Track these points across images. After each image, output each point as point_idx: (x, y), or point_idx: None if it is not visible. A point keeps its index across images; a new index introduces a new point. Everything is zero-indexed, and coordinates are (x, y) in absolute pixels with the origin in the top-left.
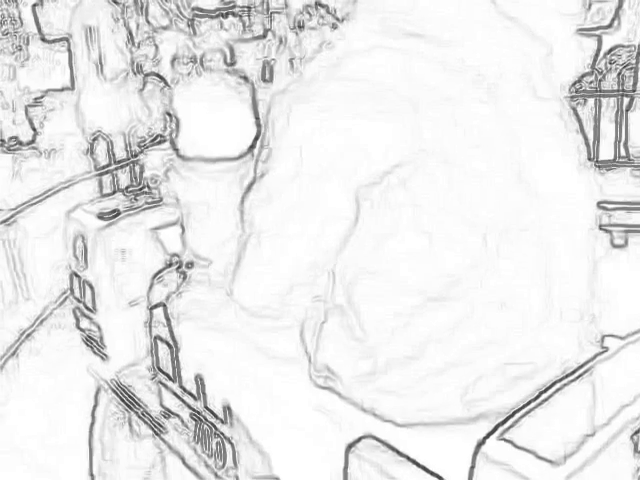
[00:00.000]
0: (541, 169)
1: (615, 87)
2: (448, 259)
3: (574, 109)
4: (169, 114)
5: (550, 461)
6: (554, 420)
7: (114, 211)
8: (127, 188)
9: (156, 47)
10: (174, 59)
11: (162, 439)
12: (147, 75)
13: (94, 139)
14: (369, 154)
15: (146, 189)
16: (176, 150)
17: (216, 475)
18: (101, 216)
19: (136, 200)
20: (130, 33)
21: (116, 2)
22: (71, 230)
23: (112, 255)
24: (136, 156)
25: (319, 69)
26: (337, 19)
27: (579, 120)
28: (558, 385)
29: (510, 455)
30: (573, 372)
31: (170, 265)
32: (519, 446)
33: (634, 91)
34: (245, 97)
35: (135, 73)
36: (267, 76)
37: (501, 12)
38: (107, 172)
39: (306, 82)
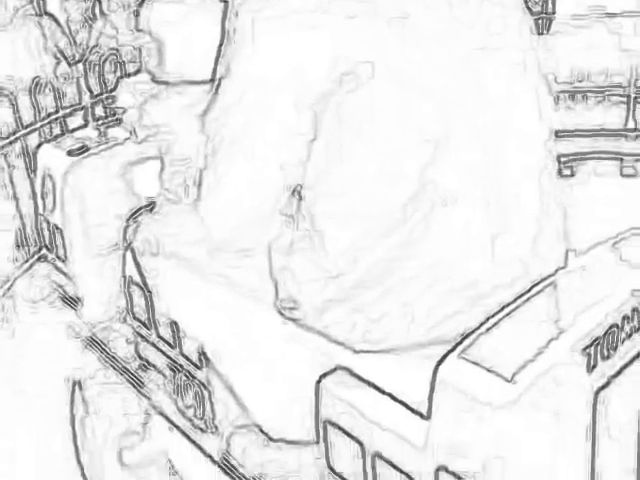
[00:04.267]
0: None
1: None
2: (404, 173)
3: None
4: (140, 30)
5: (506, 378)
6: (514, 337)
7: (83, 147)
8: (98, 120)
9: None
10: None
11: (142, 393)
12: None
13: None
14: (320, 67)
15: (117, 122)
16: (153, 76)
17: (196, 426)
18: (70, 152)
19: (106, 134)
20: None
21: None
22: (40, 167)
23: (81, 196)
24: (111, 91)
25: None
26: None
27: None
28: (518, 302)
29: (468, 372)
30: (533, 287)
31: (144, 207)
32: (477, 364)
33: None
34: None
35: None
36: None
37: None
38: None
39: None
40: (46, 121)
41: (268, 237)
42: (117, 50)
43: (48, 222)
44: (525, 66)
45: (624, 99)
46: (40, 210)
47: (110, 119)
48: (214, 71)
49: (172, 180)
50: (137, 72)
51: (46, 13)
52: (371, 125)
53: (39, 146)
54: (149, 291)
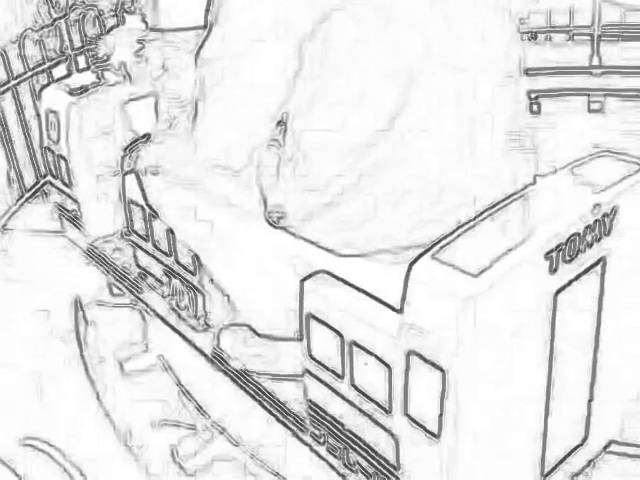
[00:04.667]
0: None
1: None
2: (383, 99)
3: None
4: None
5: (473, 274)
6: (485, 242)
7: (82, 87)
8: (95, 64)
9: None
10: None
11: (140, 299)
12: None
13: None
14: (305, 10)
15: (113, 69)
16: (146, 22)
17: (189, 325)
18: (71, 92)
19: (103, 77)
20: None
21: None
22: (44, 106)
23: (83, 127)
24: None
25: None
26: None
27: None
28: (491, 211)
29: (438, 270)
30: (505, 199)
31: (141, 138)
32: (448, 263)
33: None
34: None
35: None
36: None
37: None
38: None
39: None
40: (34, 71)
41: (257, 157)
42: (95, 6)
43: (53, 152)
44: (497, 6)
45: (587, 37)
46: (45, 143)
47: (105, 64)
48: (205, 17)
49: (167, 113)
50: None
51: None
52: (353, 55)
53: (41, 89)
54: (148, 206)
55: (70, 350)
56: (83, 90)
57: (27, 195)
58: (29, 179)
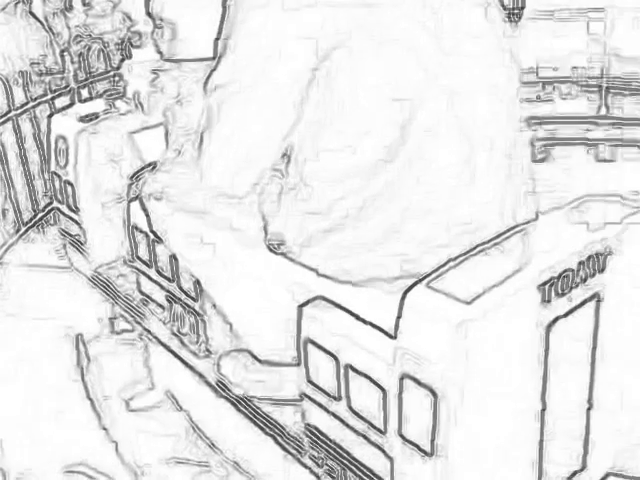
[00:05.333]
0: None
1: None
2: (385, 127)
3: None
4: (151, 15)
5: (465, 301)
6: (482, 273)
7: (93, 114)
8: (105, 92)
9: None
10: None
11: (142, 326)
12: None
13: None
14: (314, 40)
15: (125, 98)
16: (161, 53)
17: (191, 351)
18: (81, 119)
19: (114, 105)
20: None
21: None
22: (53, 132)
23: (91, 155)
24: (118, 68)
25: None
26: None
27: None
28: (489, 243)
29: (432, 298)
30: (505, 232)
31: (147, 166)
32: (442, 292)
33: None
34: None
35: None
36: None
37: None
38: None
39: None
40: (37, 102)
41: (260, 186)
42: (101, 39)
43: (60, 177)
44: (500, 50)
45: (595, 88)
46: (52, 168)
47: (116, 92)
48: (214, 47)
49: (176, 142)
50: (122, 60)
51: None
52: (354, 87)
53: (50, 116)
54: (152, 232)
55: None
56: (93, 117)
57: (24, 229)
58: (26, 212)
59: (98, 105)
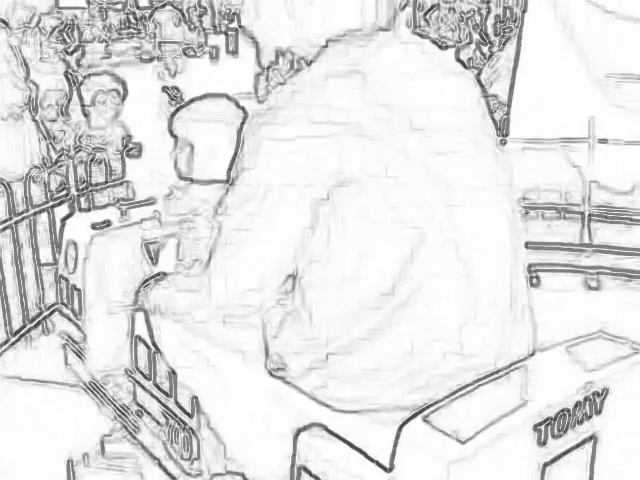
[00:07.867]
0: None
1: None
2: (385, 268)
3: None
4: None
5: (460, 440)
6: (477, 406)
7: (105, 221)
8: (119, 200)
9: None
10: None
11: (137, 439)
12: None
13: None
14: (322, 172)
15: (137, 204)
16: (179, 173)
17: (182, 468)
18: (94, 226)
19: (126, 214)
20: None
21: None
22: (65, 236)
23: (101, 262)
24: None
25: (285, 95)
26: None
27: None
28: (487, 379)
29: (427, 434)
30: (505, 368)
31: (154, 276)
32: (437, 427)
33: None
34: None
35: None
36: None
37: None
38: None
39: (273, 107)
40: (37, 209)
41: (263, 309)
42: (103, 149)
43: (67, 281)
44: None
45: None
46: (60, 271)
47: (132, 202)
48: (228, 173)
49: (185, 257)
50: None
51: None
52: (362, 220)
53: (65, 218)
54: (154, 345)
55: None
56: (106, 225)
57: (13, 339)
58: (16, 323)
59: (110, 213)
